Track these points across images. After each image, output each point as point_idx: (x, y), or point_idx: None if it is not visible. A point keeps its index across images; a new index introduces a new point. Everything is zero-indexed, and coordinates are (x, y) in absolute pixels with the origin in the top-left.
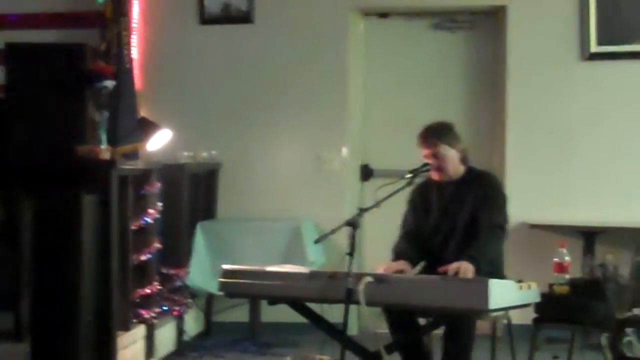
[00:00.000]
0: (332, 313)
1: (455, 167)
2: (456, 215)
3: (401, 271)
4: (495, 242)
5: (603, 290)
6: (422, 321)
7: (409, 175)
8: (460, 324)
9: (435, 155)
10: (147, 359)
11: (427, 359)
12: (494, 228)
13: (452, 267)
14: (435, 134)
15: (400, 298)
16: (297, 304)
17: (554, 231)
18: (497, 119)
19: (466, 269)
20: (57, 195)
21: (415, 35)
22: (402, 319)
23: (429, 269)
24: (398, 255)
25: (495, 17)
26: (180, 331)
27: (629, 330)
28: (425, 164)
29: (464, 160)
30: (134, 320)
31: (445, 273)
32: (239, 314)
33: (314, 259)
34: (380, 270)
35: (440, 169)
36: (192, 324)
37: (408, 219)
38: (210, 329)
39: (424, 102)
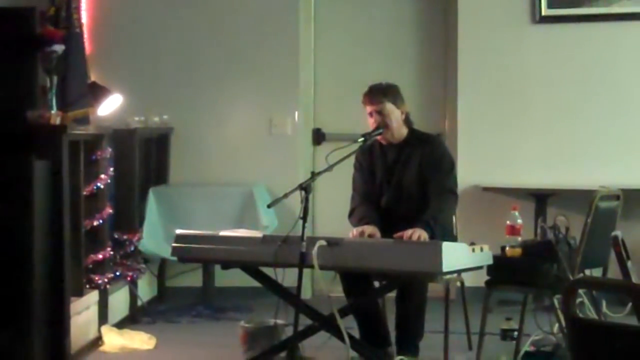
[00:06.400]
0: (286, 277)
1: (399, 126)
2: (402, 177)
3: (373, 235)
4: (448, 207)
5: (555, 252)
6: (376, 284)
7: (360, 140)
8: (412, 287)
9: (379, 112)
10: (101, 325)
11: (381, 323)
12: (445, 192)
13: (407, 233)
14: (381, 91)
15: (353, 262)
16: (251, 269)
17: (506, 194)
18: (448, 83)
19: (420, 236)
20: (8, 160)
21: None
22: (358, 283)
23: (379, 230)
24: (361, 220)
25: None
26: (133, 296)
27: (581, 291)
28: (377, 128)
29: (407, 122)
30: (87, 286)
31: (400, 239)
32: (193, 278)
33: (267, 223)
34: (351, 235)
35: (384, 126)
36: (146, 289)
37: (358, 182)
38: (163, 294)
39: (376, 66)
